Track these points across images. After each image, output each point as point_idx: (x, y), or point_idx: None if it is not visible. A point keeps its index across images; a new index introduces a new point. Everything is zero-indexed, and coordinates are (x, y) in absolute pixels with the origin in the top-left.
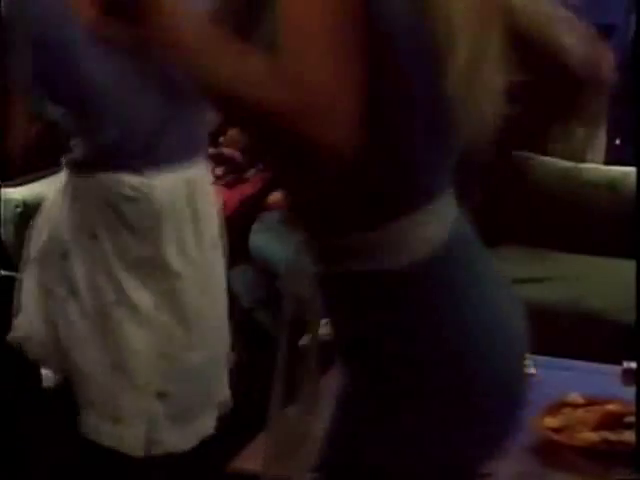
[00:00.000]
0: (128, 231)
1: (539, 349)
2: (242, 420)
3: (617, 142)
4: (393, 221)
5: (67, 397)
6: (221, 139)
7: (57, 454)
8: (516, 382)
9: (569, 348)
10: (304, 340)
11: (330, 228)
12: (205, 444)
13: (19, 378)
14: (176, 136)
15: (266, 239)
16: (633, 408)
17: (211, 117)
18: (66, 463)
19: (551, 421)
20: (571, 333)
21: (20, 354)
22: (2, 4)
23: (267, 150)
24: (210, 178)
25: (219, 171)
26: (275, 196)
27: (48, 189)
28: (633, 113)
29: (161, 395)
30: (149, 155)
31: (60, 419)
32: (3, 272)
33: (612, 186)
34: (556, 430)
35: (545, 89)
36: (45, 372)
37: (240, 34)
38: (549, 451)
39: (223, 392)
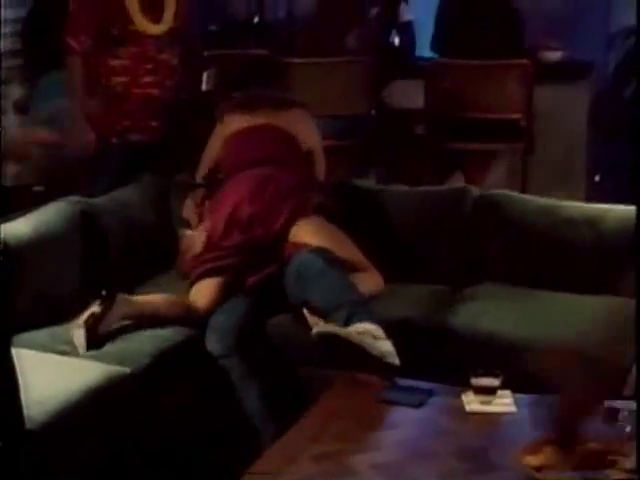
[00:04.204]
0: None
1: (520, 387)
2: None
3: (596, 179)
4: None
5: None
6: None
7: None
8: None
9: (550, 386)
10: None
11: None
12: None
13: None
14: None
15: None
16: (615, 447)
17: None
18: None
19: (532, 459)
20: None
21: None
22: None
23: None
24: None
25: None
26: None
27: (26, 227)
28: (615, 149)
29: None
30: None
31: None
32: None
33: (592, 223)
34: (537, 468)
35: None
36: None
37: None
38: None
39: None
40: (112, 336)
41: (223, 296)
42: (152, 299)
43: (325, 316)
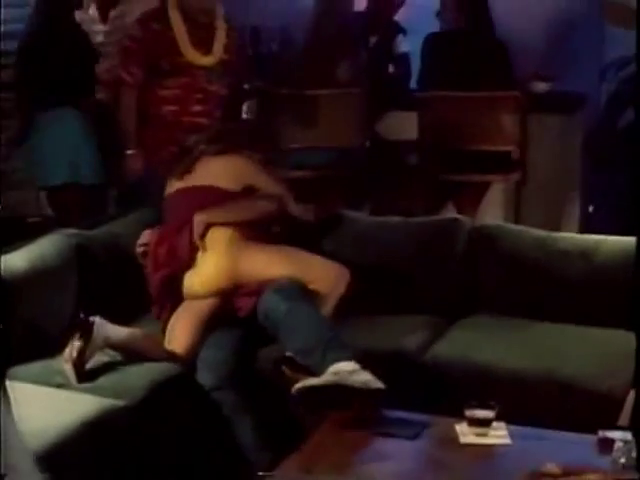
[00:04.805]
0: None
1: (514, 419)
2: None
3: (590, 210)
4: None
5: None
6: None
7: None
8: None
9: (544, 418)
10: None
11: None
12: None
13: None
14: None
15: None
16: (611, 477)
17: None
18: None
19: None
20: (546, 403)
21: None
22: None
23: None
24: None
25: None
26: None
27: (22, 260)
28: (608, 180)
29: None
30: None
31: None
32: None
33: (586, 254)
34: None
35: None
36: None
37: None
38: None
39: None
40: (106, 369)
41: (200, 337)
42: (133, 332)
43: (300, 360)
